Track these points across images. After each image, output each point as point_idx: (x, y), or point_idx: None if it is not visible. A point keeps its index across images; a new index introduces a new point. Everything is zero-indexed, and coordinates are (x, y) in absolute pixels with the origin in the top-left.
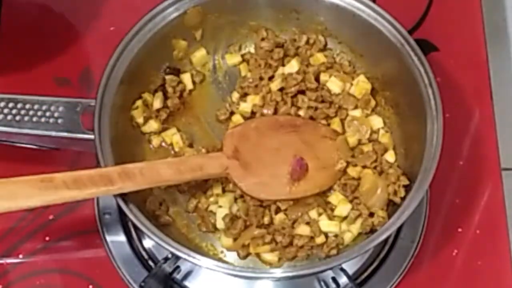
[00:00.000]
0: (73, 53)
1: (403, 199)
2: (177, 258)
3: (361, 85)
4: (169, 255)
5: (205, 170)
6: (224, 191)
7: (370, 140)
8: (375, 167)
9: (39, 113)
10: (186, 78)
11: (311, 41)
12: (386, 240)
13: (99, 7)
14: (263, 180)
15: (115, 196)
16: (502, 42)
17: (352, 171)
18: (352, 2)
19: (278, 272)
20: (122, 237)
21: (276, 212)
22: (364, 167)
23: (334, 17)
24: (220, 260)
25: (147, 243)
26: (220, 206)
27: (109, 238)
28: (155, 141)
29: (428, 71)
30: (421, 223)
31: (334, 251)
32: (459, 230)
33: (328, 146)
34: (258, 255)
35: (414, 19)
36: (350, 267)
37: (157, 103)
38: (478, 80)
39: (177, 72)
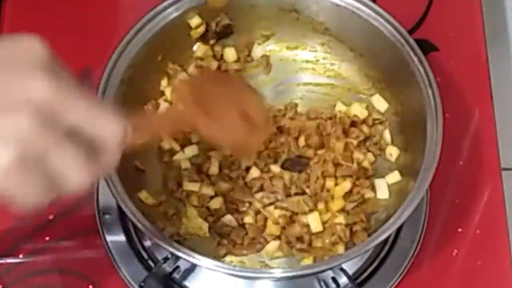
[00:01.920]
0: (72, 53)
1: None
2: (177, 258)
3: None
4: (169, 255)
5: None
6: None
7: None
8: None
9: None
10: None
11: None
12: (386, 240)
13: (99, 7)
14: (224, 127)
15: (115, 197)
16: (502, 42)
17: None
18: (352, 2)
19: (278, 272)
20: (122, 237)
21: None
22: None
23: (334, 17)
24: (219, 260)
25: (147, 243)
26: None
27: (109, 238)
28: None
29: (428, 71)
30: (421, 223)
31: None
32: (459, 230)
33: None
34: None
35: (414, 19)
36: (350, 267)
37: None
38: (478, 80)
39: None
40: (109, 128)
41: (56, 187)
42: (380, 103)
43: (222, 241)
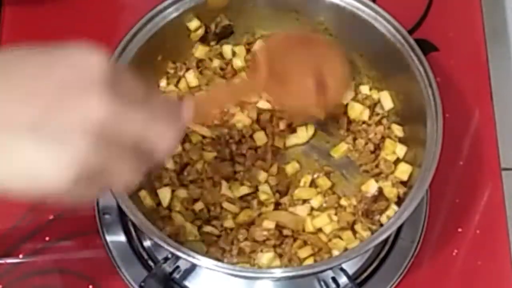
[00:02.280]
0: None
1: (402, 199)
2: (177, 258)
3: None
4: (169, 255)
5: (249, 92)
6: None
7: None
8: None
9: None
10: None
11: None
12: (386, 240)
13: (99, 8)
14: (295, 92)
15: (115, 196)
16: (502, 42)
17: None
18: (352, 2)
19: (278, 272)
20: (122, 237)
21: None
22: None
23: (334, 17)
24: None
25: (147, 243)
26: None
27: (109, 238)
28: None
29: (428, 71)
30: (421, 223)
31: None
32: (459, 230)
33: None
34: None
35: (414, 19)
36: (350, 267)
37: None
38: (478, 80)
39: None
40: (163, 140)
41: (107, 187)
42: (386, 101)
43: (210, 249)
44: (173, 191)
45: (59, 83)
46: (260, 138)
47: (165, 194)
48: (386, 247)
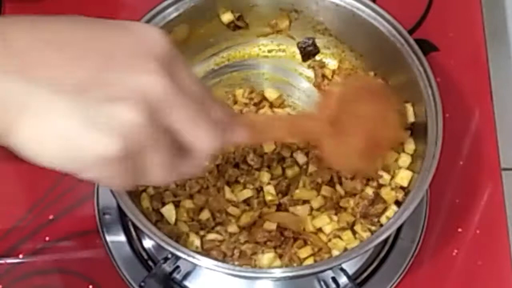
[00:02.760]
0: None
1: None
2: (177, 258)
3: None
4: (169, 255)
5: (308, 134)
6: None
7: None
8: None
9: None
10: None
11: None
12: (386, 240)
13: (99, 8)
14: (346, 150)
15: (115, 196)
16: (502, 42)
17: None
18: (352, 2)
19: (278, 272)
20: (122, 237)
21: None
22: None
23: (333, 17)
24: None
25: (147, 243)
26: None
27: (109, 238)
28: None
29: (428, 71)
30: (421, 223)
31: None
32: (459, 230)
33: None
34: None
35: (414, 19)
36: (350, 267)
37: None
38: (478, 80)
39: None
40: (204, 140)
41: (138, 179)
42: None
43: (211, 253)
44: (176, 204)
45: (115, 48)
46: (269, 146)
47: (170, 212)
48: (386, 247)
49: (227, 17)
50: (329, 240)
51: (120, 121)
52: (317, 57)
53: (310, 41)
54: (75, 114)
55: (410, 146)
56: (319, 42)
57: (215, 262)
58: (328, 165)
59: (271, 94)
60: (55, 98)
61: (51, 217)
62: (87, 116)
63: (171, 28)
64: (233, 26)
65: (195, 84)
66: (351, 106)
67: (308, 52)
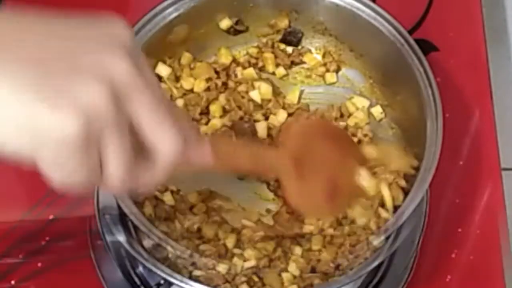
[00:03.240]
0: None
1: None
2: (170, 284)
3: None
4: (161, 281)
5: (271, 168)
6: None
7: None
8: None
9: None
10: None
11: None
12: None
13: (99, 7)
14: (308, 190)
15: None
16: (502, 42)
17: None
18: (351, 2)
19: None
20: (113, 262)
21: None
22: None
23: (333, 17)
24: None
25: (140, 269)
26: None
27: (109, 238)
28: None
29: (428, 71)
30: (421, 223)
31: None
32: (459, 230)
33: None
34: None
35: (414, 19)
36: None
37: None
38: (478, 80)
39: None
40: (167, 142)
41: (95, 177)
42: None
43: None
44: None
45: (82, 35)
46: None
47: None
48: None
49: (225, 23)
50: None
51: (81, 99)
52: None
53: (299, 35)
54: (32, 88)
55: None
56: (318, 42)
57: None
58: (291, 205)
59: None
60: (13, 73)
61: (51, 217)
62: (47, 91)
63: (171, 28)
64: (233, 31)
65: (157, 83)
66: (312, 147)
67: (288, 41)
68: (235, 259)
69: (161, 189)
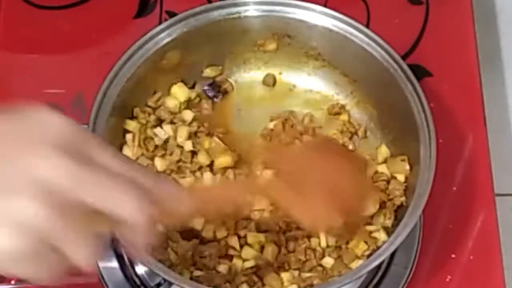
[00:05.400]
0: (65, 78)
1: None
2: (170, 284)
3: None
4: (162, 281)
5: (265, 196)
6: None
7: None
8: None
9: None
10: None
11: None
12: (379, 266)
13: (92, 33)
14: (309, 204)
15: None
16: (496, 67)
17: None
18: (345, 27)
19: None
20: (114, 263)
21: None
22: None
23: (327, 42)
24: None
25: (140, 269)
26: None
27: (101, 264)
28: None
29: (421, 96)
30: (414, 248)
31: None
32: (453, 256)
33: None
34: None
35: (407, 44)
36: None
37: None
38: (471, 105)
39: None
40: (126, 208)
41: (66, 264)
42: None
43: None
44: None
45: (9, 138)
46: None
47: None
48: (379, 273)
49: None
50: None
51: (20, 216)
52: None
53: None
54: None
55: None
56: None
57: None
58: (300, 225)
59: None
60: None
61: None
62: None
63: (163, 53)
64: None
65: (114, 159)
66: (306, 164)
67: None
68: (235, 260)
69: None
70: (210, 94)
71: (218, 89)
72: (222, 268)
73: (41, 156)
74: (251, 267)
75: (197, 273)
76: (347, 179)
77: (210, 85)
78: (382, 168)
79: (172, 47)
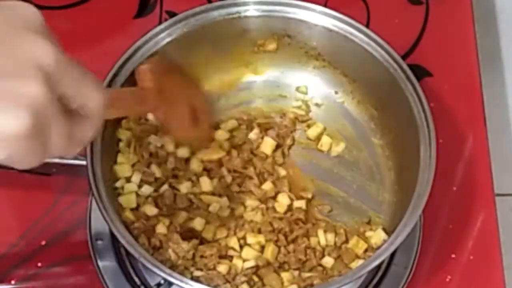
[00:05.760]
0: None
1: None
2: (170, 284)
3: None
4: (162, 281)
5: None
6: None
7: None
8: None
9: None
10: None
11: None
12: (379, 266)
13: (92, 33)
14: (177, 115)
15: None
16: (496, 67)
17: None
18: (345, 27)
19: None
20: (114, 263)
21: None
22: None
23: (327, 42)
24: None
25: (140, 269)
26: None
27: (101, 263)
28: None
29: (421, 96)
30: (414, 249)
31: None
32: (453, 256)
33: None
34: None
35: (407, 44)
36: None
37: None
38: (471, 105)
39: None
40: (95, 98)
41: (42, 154)
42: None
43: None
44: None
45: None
46: None
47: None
48: (379, 273)
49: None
50: None
51: (26, 96)
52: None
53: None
54: None
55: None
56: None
57: None
58: (167, 132)
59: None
60: None
61: (43, 243)
62: None
63: (163, 53)
64: None
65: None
66: (169, 80)
67: None
68: (235, 260)
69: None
70: None
71: None
72: (222, 268)
73: (36, 42)
74: (251, 267)
75: (197, 273)
76: (201, 105)
77: None
78: None
79: (172, 47)
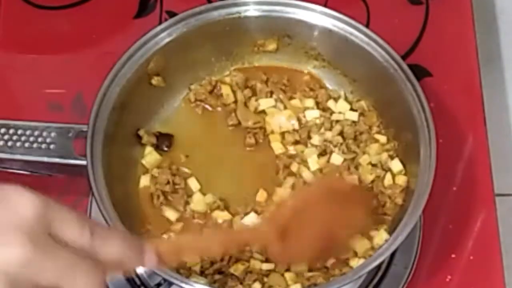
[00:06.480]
0: (65, 78)
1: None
2: (170, 284)
3: None
4: (162, 281)
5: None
6: None
7: None
8: None
9: (31, 139)
10: None
11: None
12: (379, 266)
13: (92, 33)
14: (295, 251)
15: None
16: (496, 67)
17: None
18: (345, 27)
19: None
20: None
21: None
22: None
23: (327, 42)
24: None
25: (140, 269)
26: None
27: None
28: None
29: (421, 96)
30: (414, 248)
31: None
32: (453, 256)
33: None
34: None
35: (407, 44)
36: None
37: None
38: (471, 105)
39: None
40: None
41: None
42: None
43: None
44: None
45: None
46: None
47: None
48: (379, 273)
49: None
50: None
51: None
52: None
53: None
54: None
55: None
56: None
57: None
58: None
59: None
60: None
61: None
62: None
63: (164, 53)
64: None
65: (78, 231)
66: (306, 212)
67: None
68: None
69: None
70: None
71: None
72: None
73: (5, 245)
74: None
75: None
76: (342, 224)
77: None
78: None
79: (172, 47)
